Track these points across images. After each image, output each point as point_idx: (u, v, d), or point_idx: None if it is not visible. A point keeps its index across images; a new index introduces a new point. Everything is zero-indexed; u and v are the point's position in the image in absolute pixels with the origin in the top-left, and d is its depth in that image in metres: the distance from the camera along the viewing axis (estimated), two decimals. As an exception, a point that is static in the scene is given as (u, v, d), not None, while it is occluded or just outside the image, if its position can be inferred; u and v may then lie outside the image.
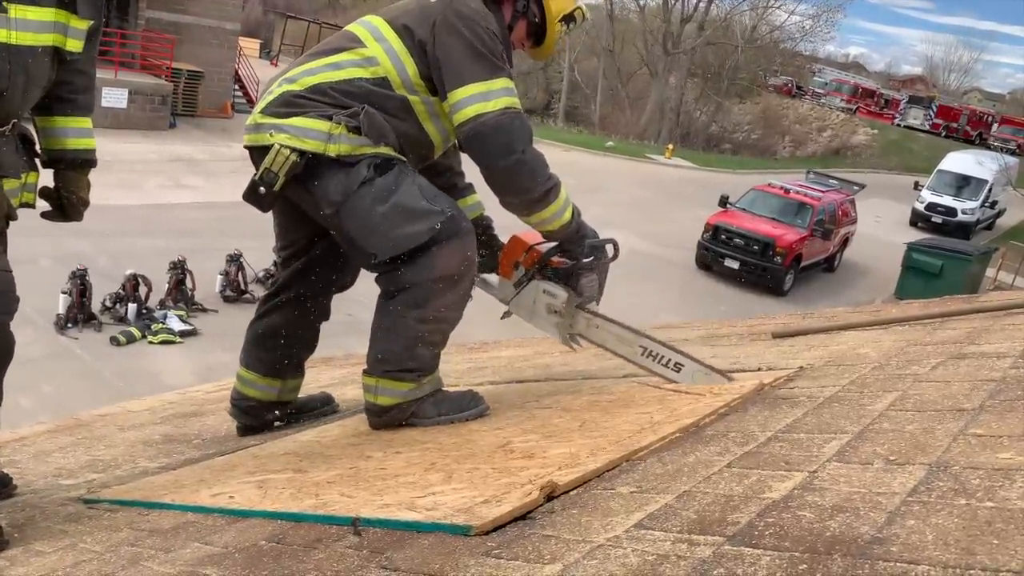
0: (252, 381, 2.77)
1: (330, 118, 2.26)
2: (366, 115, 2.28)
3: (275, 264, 2.98)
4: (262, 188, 2.30)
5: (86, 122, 2.30)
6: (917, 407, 1.66)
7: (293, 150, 2.26)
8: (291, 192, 2.34)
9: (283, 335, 2.72)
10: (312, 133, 2.26)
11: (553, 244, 2.52)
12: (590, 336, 2.53)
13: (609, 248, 2.56)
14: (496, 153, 2.33)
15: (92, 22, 2.13)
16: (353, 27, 2.45)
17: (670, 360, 2.37)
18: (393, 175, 2.32)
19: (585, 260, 2.51)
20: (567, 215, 2.44)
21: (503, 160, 2.32)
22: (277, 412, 2.84)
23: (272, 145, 2.27)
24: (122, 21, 21.29)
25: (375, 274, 2.43)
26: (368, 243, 2.33)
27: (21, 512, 2.24)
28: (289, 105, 2.31)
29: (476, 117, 2.29)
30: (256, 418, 2.81)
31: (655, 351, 2.39)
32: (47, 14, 2.01)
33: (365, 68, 2.33)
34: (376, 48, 2.35)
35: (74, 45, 2.10)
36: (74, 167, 2.30)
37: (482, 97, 2.30)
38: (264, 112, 2.34)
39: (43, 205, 2.29)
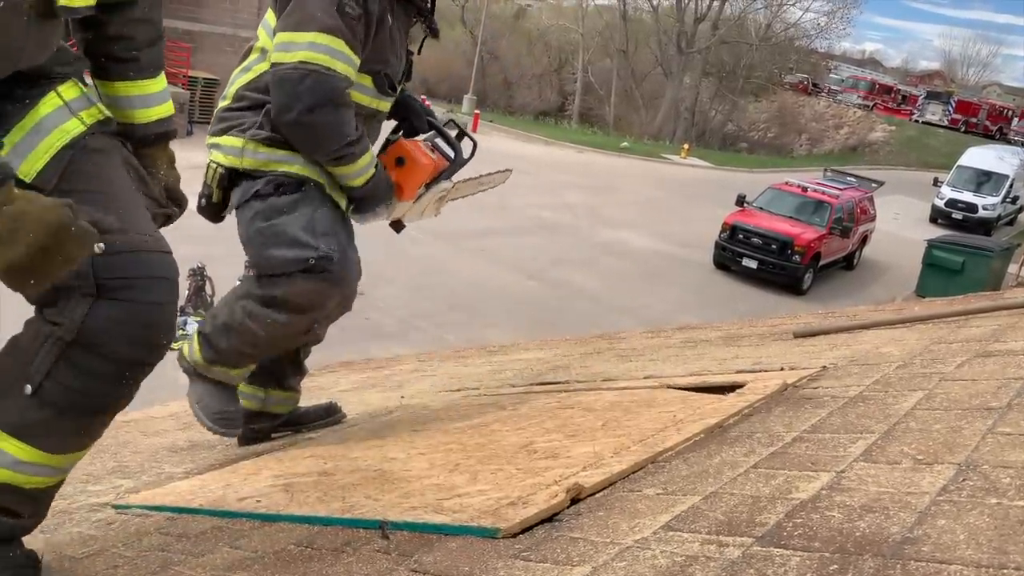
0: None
1: (245, 131, 2.37)
2: (265, 114, 2.35)
3: None
4: (203, 200, 2.48)
5: (154, 85, 1.77)
6: (944, 406, 1.65)
7: (220, 165, 2.43)
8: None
9: None
10: (231, 149, 2.40)
11: (444, 162, 2.69)
12: (457, 194, 2.86)
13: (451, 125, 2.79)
14: (276, 107, 2.28)
15: None
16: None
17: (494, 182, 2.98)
18: (293, 198, 2.36)
19: (454, 162, 2.71)
20: (369, 173, 2.43)
21: (281, 115, 2.28)
22: (266, 424, 2.80)
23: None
24: (139, 30, 21.48)
25: None
26: (247, 252, 2.46)
27: (51, 518, 2.26)
28: (221, 121, 2.45)
29: (273, 66, 2.27)
30: (243, 427, 2.70)
31: (488, 181, 2.95)
32: None
33: (264, 60, 2.38)
34: (262, 35, 2.42)
35: None
36: (147, 144, 1.78)
37: (284, 47, 2.25)
38: (210, 133, 2.49)
39: None
